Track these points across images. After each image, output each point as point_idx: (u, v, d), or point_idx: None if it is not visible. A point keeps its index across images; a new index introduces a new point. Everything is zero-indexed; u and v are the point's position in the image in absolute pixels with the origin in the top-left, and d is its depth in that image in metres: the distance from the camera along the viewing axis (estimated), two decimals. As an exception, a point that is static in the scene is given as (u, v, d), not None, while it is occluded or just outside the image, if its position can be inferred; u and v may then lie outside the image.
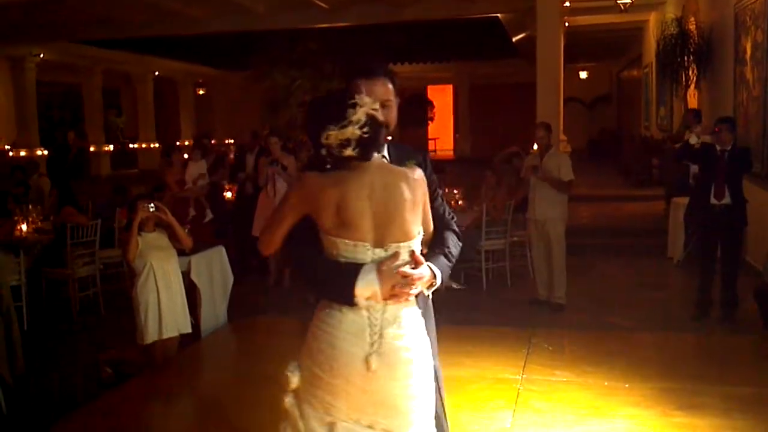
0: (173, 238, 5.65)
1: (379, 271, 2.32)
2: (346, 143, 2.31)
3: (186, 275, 6.25)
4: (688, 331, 6.60)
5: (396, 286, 2.33)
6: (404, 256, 2.38)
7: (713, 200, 6.54)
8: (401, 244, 2.36)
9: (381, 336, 2.32)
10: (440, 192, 2.84)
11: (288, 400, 2.41)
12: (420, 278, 2.42)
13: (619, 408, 4.70)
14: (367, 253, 2.33)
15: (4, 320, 5.44)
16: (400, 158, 2.71)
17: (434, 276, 2.53)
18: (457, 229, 2.77)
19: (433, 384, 2.51)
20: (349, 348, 2.30)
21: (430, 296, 2.76)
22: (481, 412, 4.70)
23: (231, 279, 7.05)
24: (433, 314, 2.82)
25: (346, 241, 2.32)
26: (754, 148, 7.84)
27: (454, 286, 8.02)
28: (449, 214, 2.81)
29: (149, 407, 5.10)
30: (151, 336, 5.49)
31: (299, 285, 8.41)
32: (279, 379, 2.45)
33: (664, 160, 13.15)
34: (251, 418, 4.63)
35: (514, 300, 7.70)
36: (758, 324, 6.28)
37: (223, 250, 7.03)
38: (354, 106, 2.32)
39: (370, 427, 2.36)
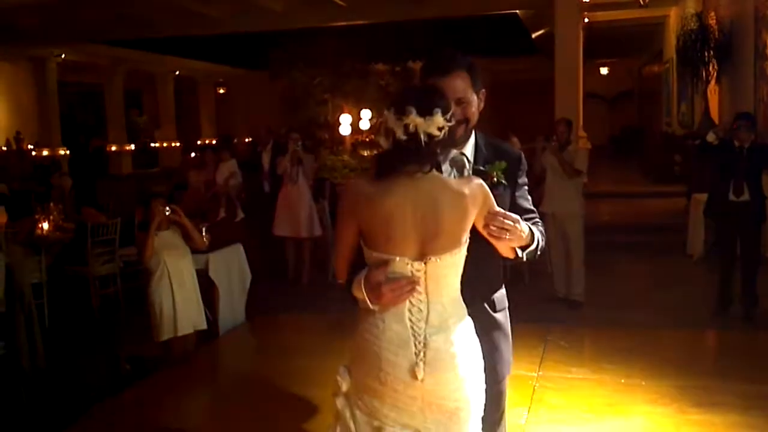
0: (187, 238, 5.70)
1: (366, 277, 2.26)
2: (388, 133, 2.21)
3: (204, 273, 6.30)
4: (706, 329, 6.55)
5: (387, 292, 2.22)
6: (445, 266, 2.28)
7: (732, 197, 6.48)
8: (442, 255, 2.25)
9: (426, 345, 2.25)
10: (526, 190, 2.63)
11: (339, 402, 2.40)
12: (514, 225, 2.29)
13: (636, 406, 4.67)
14: (406, 267, 2.25)
15: (25, 317, 5.53)
16: (487, 158, 2.50)
17: (532, 236, 2.39)
18: (542, 229, 2.54)
19: (483, 393, 2.39)
20: (394, 358, 2.25)
21: (505, 310, 2.65)
22: (496, 409, 4.69)
23: (249, 276, 7.08)
24: (508, 330, 2.67)
25: (384, 255, 2.25)
26: (775, 144, 7.75)
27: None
28: (533, 214, 2.60)
29: (170, 402, 5.15)
30: (166, 333, 5.55)
31: (317, 283, 8.50)
32: (330, 382, 2.43)
33: (685, 156, 13.04)
34: (270, 412, 4.68)
35: (531, 297, 7.65)
36: (778, 321, 6.24)
37: (241, 247, 7.06)
38: (432, 112, 2.20)
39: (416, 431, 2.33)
